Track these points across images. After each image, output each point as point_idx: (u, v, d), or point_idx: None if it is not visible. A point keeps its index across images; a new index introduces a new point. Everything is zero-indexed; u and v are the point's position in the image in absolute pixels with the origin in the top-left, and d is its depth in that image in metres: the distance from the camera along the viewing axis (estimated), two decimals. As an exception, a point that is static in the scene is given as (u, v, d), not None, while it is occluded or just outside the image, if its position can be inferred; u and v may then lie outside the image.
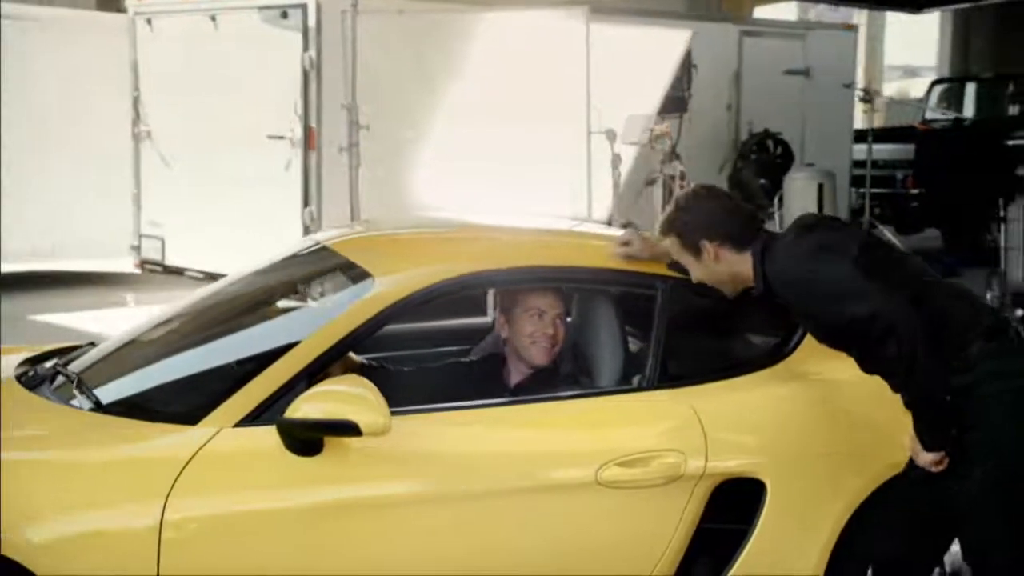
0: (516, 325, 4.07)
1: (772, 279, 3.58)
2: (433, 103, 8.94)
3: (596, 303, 4.05)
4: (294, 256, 4.38)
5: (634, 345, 4.01)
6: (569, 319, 4.15)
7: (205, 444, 3.40)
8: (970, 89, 16.33)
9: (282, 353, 3.61)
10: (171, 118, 10.66)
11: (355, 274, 3.88)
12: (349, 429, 3.35)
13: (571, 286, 4.09)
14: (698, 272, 3.77)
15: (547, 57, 8.90)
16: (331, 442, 3.44)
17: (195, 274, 10.61)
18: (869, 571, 3.79)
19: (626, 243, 3.95)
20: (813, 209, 10.23)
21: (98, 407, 3.64)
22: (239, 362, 3.80)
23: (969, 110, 15.75)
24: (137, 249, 11.23)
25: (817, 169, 10.65)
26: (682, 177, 8.86)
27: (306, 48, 9.41)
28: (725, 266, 3.70)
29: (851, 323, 3.36)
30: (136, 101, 11.03)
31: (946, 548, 3.75)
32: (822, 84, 12.06)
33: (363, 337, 3.69)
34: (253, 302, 4.34)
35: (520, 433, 3.73)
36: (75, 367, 4.00)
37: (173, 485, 3.31)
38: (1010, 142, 14.67)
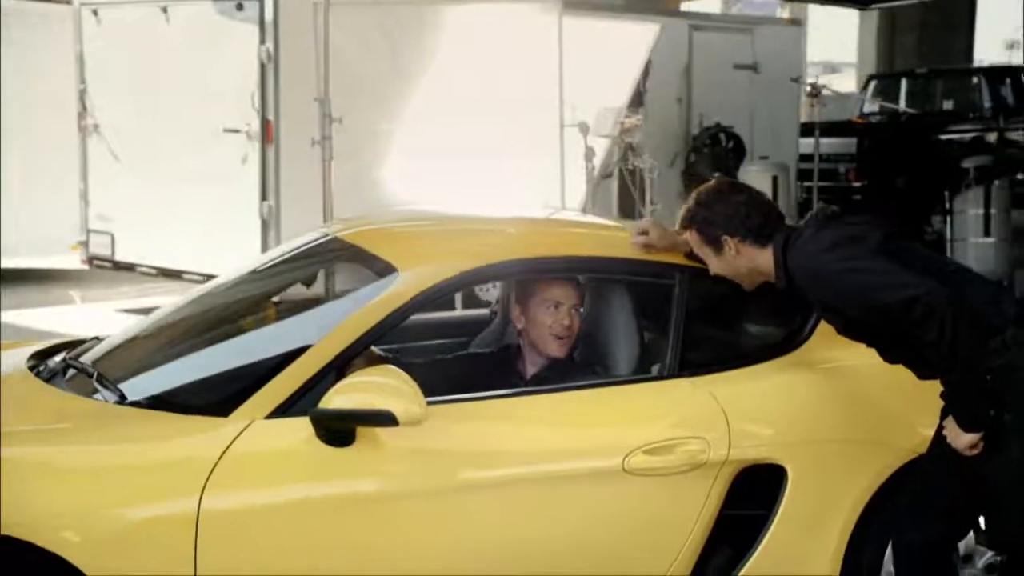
0: (533, 317, 4.08)
1: (795, 273, 3.62)
2: (405, 96, 8.91)
3: (615, 293, 4.07)
4: (308, 247, 4.34)
5: (653, 334, 4.04)
6: (586, 309, 4.16)
7: (238, 436, 3.39)
8: (904, 84, 16.62)
9: (309, 345, 3.60)
10: (121, 111, 10.47)
11: (379, 266, 3.87)
12: (386, 419, 3.35)
13: (591, 276, 4.11)
14: (717, 266, 3.80)
15: (521, 50, 8.91)
16: (363, 433, 3.44)
17: (147, 269, 10.46)
18: (886, 555, 3.86)
19: (644, 232, 3.99)
20: (768, 201, 10.36)
21: (122, 400, 3.60)
22: (266, 354, 3.77)
23: (903, 105, 16.01)
24: (85, 244, 11.02)
25: (772, 162, 10.82)
26: (651, 171, 8.94)
27: (263, 41, 9.29)
28: (745, 261, 3.74)
29: (885, 311, 3.40)
30: (83, 94, 10.83)
31: (966, 533, 3.82)
32: (769, 78, 12.20)
33: (389, 328, 3.70)
34: (273, 294, 4.31)
35: (548, 422, 3.75)
36: (89, 361, 3.95)
37: (209, 477, 3.30)
38: (944, 136, 14.98)
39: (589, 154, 8.50)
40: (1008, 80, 16.11)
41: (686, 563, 3.77)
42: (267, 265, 4.42)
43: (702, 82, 11.76)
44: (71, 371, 3.93)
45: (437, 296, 3.76)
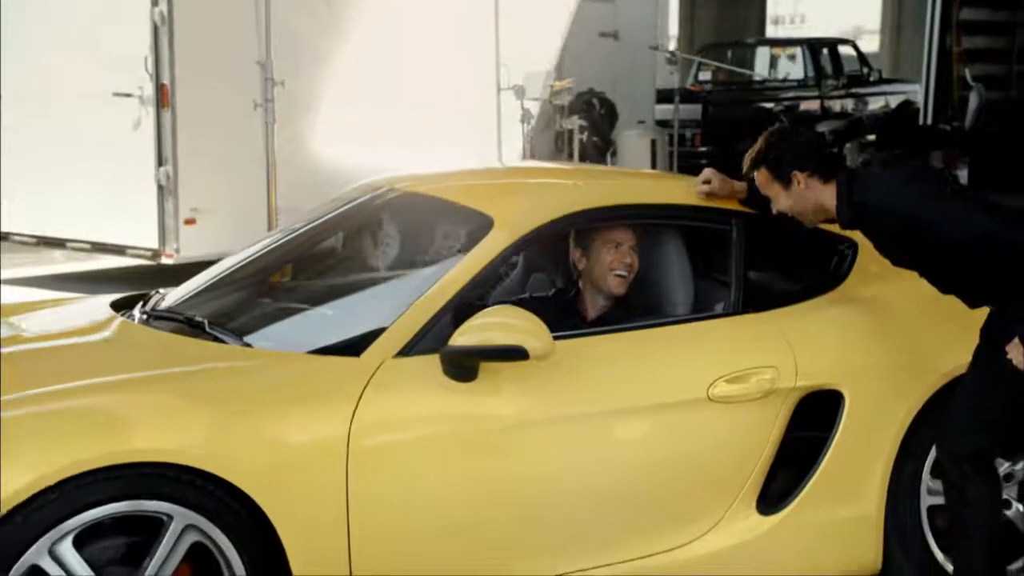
0: (595, 257, 4.30)
1: (864, 207, 3.93)
2: (341, 60, 8.93)
3: (674, 238, 4.35)
4: (370, 199, 4.48)
5: (711, 275, 4.34)
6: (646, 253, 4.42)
7: (374, 374, 3.56)
8: (732, 53, 17.43)
9: (420, 290, 3.80)
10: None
11: (473, 216, 4.08)
12: (518, 354, 3.57)
13: (661, 222, 4.37)
14: (785, 202, 4.09)
15: (457, 13, 9.04)
16: (484, 369, 3.65)
17: (25, 239, 10.19)
18: (925, 470, 4.28)
19: (707, 181, 4.28)
20: (647, 164, 10.81)
21: (247, 346, 3.71)
22: (382, 299, 3.94)
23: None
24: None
25: (649, 126, 11.26)
26: (581, 131, 9.20)
27: (155, 3, 9.19)
28: (813, 195, 4.04)
29: (958, 244, 3.76)
30: (-55, 56, 10.39)
31: (1005, 444, 4.25)
32: (629, 46, 12.64)
33: (492, 272, 3.93)
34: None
35: (638, 355, 4.01)
36: (183, 310, 4.03)
37: (355, 412, 3.47)
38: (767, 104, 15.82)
39: (526, 116, 8.74)
40: (825, 51, 17.07)
41: (756, 483, 4.10)
42: (329, 217, 4.52)
43: (570, 49, 12.10)
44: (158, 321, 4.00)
45: (529, 244, 4.07)
